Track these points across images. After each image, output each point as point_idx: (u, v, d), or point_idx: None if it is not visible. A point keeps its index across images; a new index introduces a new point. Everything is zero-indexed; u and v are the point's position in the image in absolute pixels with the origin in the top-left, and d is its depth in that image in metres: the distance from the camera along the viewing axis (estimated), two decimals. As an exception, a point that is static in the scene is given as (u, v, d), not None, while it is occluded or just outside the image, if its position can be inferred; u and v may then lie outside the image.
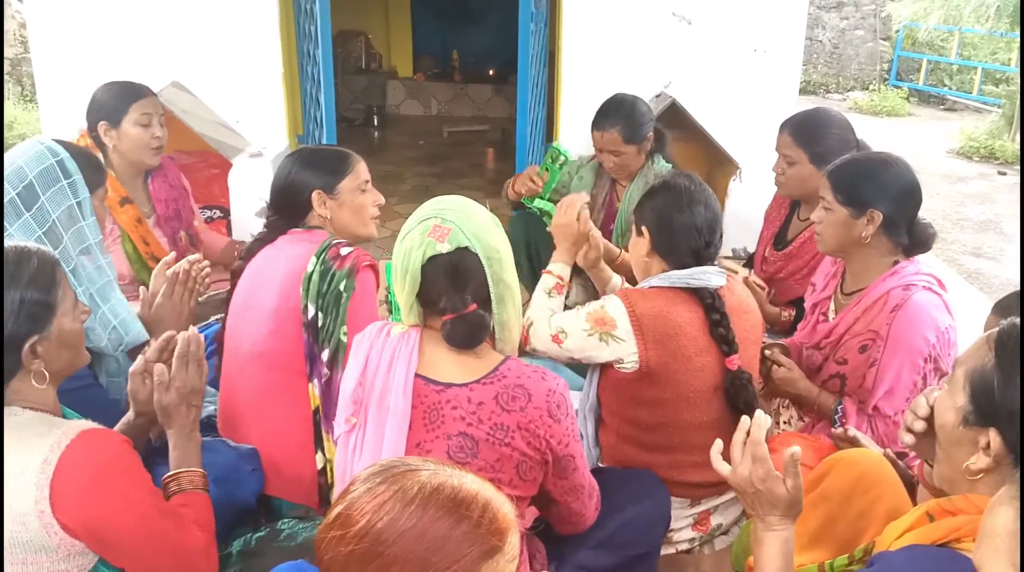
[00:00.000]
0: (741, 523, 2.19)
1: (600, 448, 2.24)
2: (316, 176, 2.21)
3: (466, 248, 1.62)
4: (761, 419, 1.46)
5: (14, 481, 1.38)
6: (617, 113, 3.08)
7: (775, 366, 2.30)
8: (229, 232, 4.04)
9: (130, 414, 1.83)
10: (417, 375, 1.63)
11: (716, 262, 2.12)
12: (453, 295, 1.62)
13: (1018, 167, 7.73)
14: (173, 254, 2.27)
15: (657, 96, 3.81)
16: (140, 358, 1.85)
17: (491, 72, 8.27)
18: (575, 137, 3.58)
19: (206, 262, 2.24)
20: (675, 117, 3.97)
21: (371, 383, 1.64)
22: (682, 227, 2.05)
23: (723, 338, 2.04)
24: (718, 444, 1.53)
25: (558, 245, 2.39)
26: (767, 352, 2.31)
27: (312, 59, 3.82)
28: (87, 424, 1.48)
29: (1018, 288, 1.96)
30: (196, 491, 1.71)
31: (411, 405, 1.60)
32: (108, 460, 1.46)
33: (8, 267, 1.50)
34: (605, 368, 2.12)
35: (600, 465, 2.22)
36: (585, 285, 3.27)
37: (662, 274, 2.09)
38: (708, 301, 2.03)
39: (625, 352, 2.02)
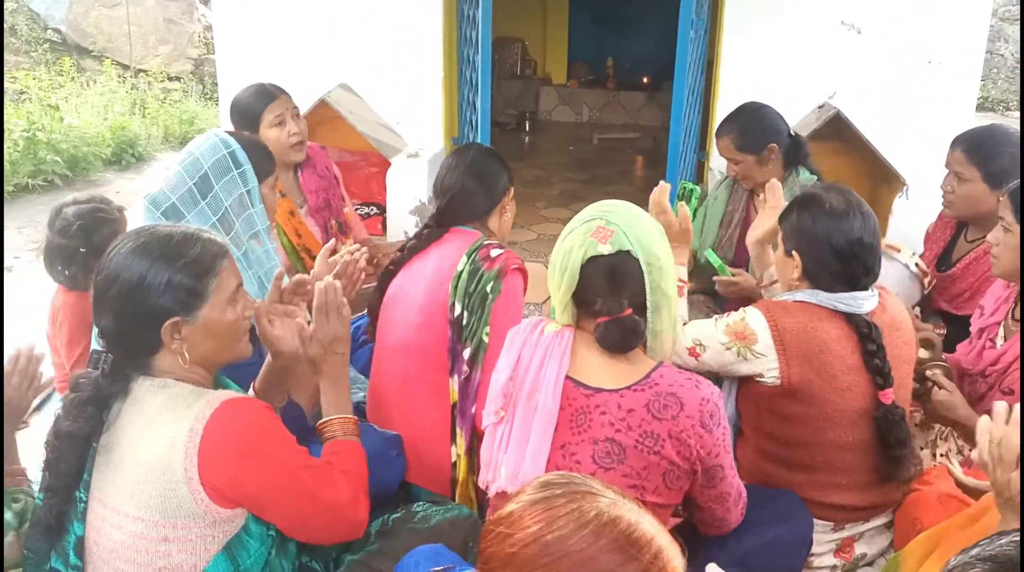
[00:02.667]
0: (888, 555, 2.08)
1: (738, 463, 2.17)
2: (508, 179, 2.31)
3: (628, 252, 1.61)
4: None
5: (165, 451, 1.47)
6: (733, 120, 2.97)
7: (935, 388, 2.16)
8: (384, 228, 4.21)
9: (268, 357, 1.90)
10: (567, 377, 1.63)
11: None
12: (609, 298, 1.61)
13: None
14: (333, 241, 2.37)
15: (820, 107, 3.68)
16: (263, 302, 1.90)
17: (645, 79, 8.19)
18: (729, 147, 3.51)
19: (364, 250, 2.31)
20: (838, 129, 3.82)
21: (522, 379, 1.66)
22: (838, 252, 1.95)
23: (878, 370, 1.94)
24: (985, 420, 1.38)
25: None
26: (928, 373, 2.18)
27: (471, 64, 3.92)
28: (230, 393, 1.56)
29: None
30: (347, 438, 1.75)
31: (559, 406, 1.61)
32: (251, 425, 1.53)
33: (172, 246, 1.57)
34: (744, 379, 2.06)
35: (738, 482, 2.17)
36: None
37: (809, 290, 2.00)
38: (864, 330, 1.94)
39: (765, 367, 1.96)
